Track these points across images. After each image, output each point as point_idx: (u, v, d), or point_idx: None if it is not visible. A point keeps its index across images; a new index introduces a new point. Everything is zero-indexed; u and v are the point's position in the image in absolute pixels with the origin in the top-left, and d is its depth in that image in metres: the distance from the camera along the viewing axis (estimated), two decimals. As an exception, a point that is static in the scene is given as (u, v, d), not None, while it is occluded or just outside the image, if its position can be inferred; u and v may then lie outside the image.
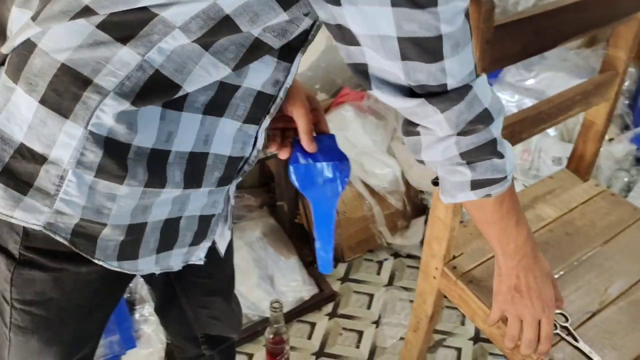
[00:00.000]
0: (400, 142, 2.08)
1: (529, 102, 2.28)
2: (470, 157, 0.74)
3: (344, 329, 1.75)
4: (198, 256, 0.91)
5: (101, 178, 0.68)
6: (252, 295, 1.70)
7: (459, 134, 0.71)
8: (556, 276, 1.15)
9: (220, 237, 0.94)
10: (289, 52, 0.72)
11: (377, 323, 1.76)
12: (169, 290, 1.05)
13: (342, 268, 1.95)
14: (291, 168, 0.85)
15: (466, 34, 0.64)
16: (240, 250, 1.76)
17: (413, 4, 0.57)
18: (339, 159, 0.86)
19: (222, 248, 0.96)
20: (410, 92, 0.67)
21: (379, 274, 1.92)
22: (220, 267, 1.05)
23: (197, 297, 1.06)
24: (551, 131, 2.23)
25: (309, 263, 1.87)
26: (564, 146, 2.16)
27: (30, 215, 0.69)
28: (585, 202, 1.35)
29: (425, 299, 1.25)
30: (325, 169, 0.85)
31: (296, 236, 1.94)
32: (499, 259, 0.94)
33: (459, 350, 1.69)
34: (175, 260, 0.88)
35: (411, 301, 1.83)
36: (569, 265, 1.18)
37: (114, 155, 0.67)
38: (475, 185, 0.78)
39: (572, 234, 1.27)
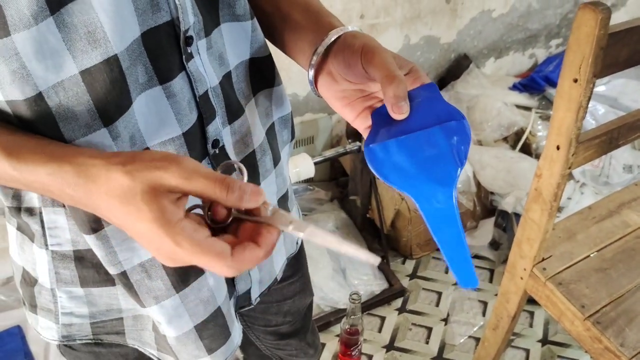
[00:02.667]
0: (473, 142, 2.10)
1: (601, 109, 2.27)
2: None
3: (413, 324, 1.78)
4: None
5: (90, 287, 0.64)
6: (326, 287, 1.74)
7: None
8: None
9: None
10: None
11: (445, 321, 1.79)
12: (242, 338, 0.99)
13: (410, 265, 1.98)
14: (367, 151, 0.55)
15: None
16: (315, 242, 1.81)
17: None
18: (446, 118, 0.53)
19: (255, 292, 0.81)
20: None
21: (447, 272, 1.94)
22: (290, 311, 0.96)
23: (271, 342, 1.00)
24: (624, 138, 2.21)
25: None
26: (635, 154, 2.15)
27: (47, 332, 0.70)
28: (671, 211, 1.36)
29: (509, 299, 1.28)
30: (426, 141, 0.53)
31: (367, 231, 1.98)
32: None
33: (527, 351, 1.70)
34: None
35: (480, 301, 1.85)
36: (658, 273, 1.19)
37: (92, 265, 0.63)
38: None
39: (659, 242, 1.27)
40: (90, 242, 0.57)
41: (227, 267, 0.46)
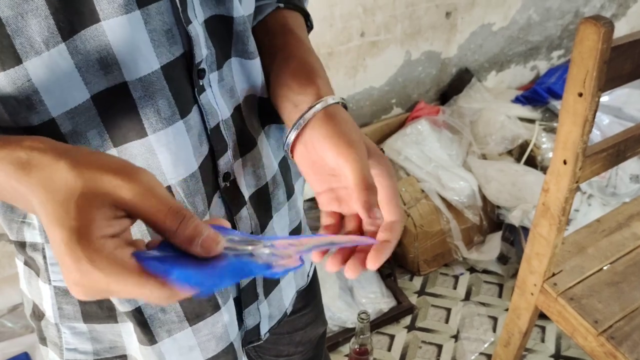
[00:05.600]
0: (477, 156, 2.09)
1: (605, 119, 2.26)
2: None
3: (423, 342, 1.76)
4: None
5: (93, 322, 0.64)
6: (334, 306, 1.73)
7: None
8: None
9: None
10: None
11: (455, 337, 1.77)
12: None
13: (418, 282, 1.96)
14: None
15: None
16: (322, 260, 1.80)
17: None
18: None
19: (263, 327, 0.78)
20: None
21: (455, 288, 1.93)
22: (302, 341, 0.94)
23: None
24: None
25: (387, 275, 1.89)
26: (642, 164, 2.14)
27: None
28: (681, 221, 1.34)
29: (520, 315, 1.26)
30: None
31: (373, 248, 1.96)
32: None
33: (539, 367, 1.68)
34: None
35: (490, 317, 1.83)
36: (670, 285, 1.18)
37: (94, 301, 0.62)
38: None
39: (670, 253, 1.26)
40: None
41: (163, 294, 0.38)
